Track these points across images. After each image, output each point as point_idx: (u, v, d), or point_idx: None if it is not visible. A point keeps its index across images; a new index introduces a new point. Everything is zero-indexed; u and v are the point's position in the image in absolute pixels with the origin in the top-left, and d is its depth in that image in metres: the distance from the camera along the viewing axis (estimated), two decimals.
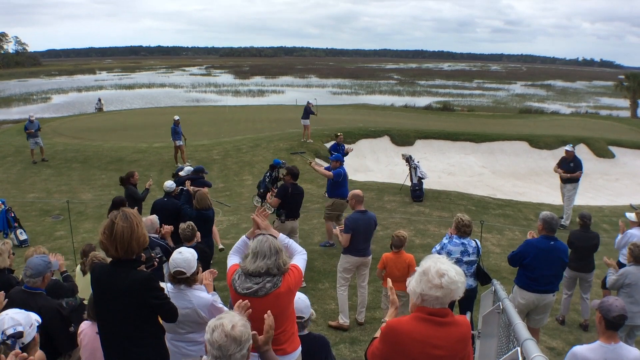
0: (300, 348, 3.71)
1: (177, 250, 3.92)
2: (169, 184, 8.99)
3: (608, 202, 15.92)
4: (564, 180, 12.35)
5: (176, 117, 17.88)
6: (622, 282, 6.10)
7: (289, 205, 8.49)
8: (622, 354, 3.81)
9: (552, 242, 6.10)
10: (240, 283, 3.50)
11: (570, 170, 12.18)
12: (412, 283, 2.79)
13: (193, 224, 6.43)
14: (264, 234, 3.67)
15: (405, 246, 6.77)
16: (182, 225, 6.36)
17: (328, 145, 20.60)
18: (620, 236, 7.69)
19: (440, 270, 2.70)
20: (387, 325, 2.81)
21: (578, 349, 3.96)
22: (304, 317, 3.88)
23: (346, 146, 15.44)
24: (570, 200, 12.44)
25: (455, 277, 2.70)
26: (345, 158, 13.82)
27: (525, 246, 6.23)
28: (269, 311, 3.09)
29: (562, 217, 12.24)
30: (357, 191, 7.25)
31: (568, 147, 12.53)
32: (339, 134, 15.68)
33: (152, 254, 3.72)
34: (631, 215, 7.81)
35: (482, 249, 9.92)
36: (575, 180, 12.27)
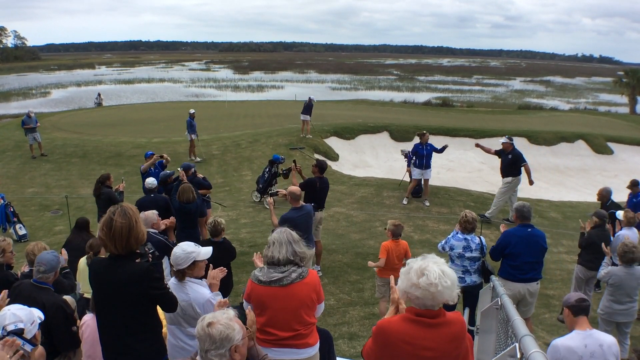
0: (319, 341, 3.78)
1: (178, 244, 3.97)
2: (151, 180, 8.92)
3: None
4: (504, 173, 11.75)
5: (192, 111, 17.81)
6: (606, 280, 6.19)
7: (317, 198, 8.57)
8: (599, 338, 4.09)
9: (529, 230, 6.32)
10: (264, 274, 3.60)
11: (507, 162, 11.61)
12: (399, 280, 2.76)
13: None
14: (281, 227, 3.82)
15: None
16: None
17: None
18: (612, 238, 7.70)
19: (422, 269, 2.63)
20: (377, 326, 2.79)
21: (558, 340, 4.14)
22: None
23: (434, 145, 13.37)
24: (501, 194, 11.79)
25: (436, 279, 2.56)
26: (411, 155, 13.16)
27: (505, 236, 6.41)
28: (249, 306, 3.14)
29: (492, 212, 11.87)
30: (294, 188, 7.34)
31: (504, 139, 11.96)
32: (424, 132, 13.68)
33: (146, 249, 3.73)
34: (619, 213, 7.84)
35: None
36: (516, 174, 11.58)
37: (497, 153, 11.98)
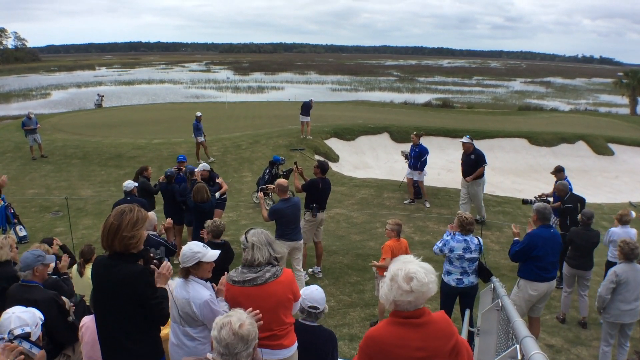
0: (296, 342, 3.78)
1: (188, 243, 3.99)
2: (127, 183, 9.03)
3: (607, 199, 15.93)
4: (467, 174, 11.52)
5: (198, 114, 17.81)
6: (614, 280, 6.09)
7: (319, 199, 8.65)
8: None
9: (552, 230, 6.33)
10: (239, 274, 3.64)
11: (470, 163, 11.42)
12: (384, 290, 2.72)
13: None
14: (254, 228, 3.83)
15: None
16: None
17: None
18: (607, 234, 7.78)
19: (407, 274, 2.63)
20: (366, 337, 2.76)
21: None
22: (318, 308, 3.95)
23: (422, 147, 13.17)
24: (478, 197, 11.62)
25: (425, 278, 2.62)
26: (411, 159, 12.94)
27: (531, 238, 6.31)
28: (257, 311, 3.13)
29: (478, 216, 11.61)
30: (282, 180, 7.72)
31: (465, 139, 11.61)
32: (414, 133, 13.64)
33: (152, 254, 3.70)
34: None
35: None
36: (479, 175, 11.42)
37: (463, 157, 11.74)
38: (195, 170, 9.57)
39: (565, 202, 8.86)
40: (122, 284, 3.22)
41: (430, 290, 2.64)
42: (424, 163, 12.99)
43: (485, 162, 11.44)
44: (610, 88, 64.87)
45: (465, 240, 6.21)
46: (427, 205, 13.15)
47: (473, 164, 11.39)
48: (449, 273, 6.32)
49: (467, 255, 6.18)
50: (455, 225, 6.35)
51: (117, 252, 3.27)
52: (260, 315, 3.01)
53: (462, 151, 11.65)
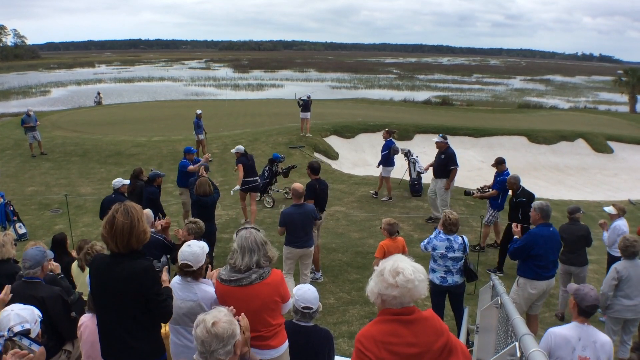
0: (287, 342, 3.76)
1: (186, 243, 3.96)
2: (115, 180, 9.03)
3: (606, 197, 15.92)
4: (436, 174, 11.32)
5: (198, 111, 17.81)
6: (615, 277, 6.07)
7: (319, 200, 8.55)
8: (594, 335, 4.15)
9: (551, 229, 6.32)
10: (227, 273, 3.63)
11: (441, 162, 11.16)
12: (371, 284, 2.73)
13: None
14: (246, 228, 3.76)
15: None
16: None
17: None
18: (606, 233, 7.69)
19: (395, 268, 2.63)
20: (358, 338, 2.74)
21: (555, 329, 4.23)
22: (312, 308, 3.94)
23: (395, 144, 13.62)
24: (444, 200, 11.26)
25: (412, 275, 2.60)
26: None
27: (531, 237, 6.31)
28: (242, 313, 3.11)
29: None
30: (297, 185, 7.44)
31: (437, 138, 11.46)
32: (388, 129, 14.02)
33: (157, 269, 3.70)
34: (610, 209, 7.82)
35: (481, 245, 9.99)
36: (448, 175, 11.10)
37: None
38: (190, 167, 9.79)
39: (518, 196, 8.83)
40: (129, 281, 3.21)
41: (416, 288, 2.61)
42: (383, 158, 13.29)
43: (456, 164, 11.17)
44: (609, 86, 64.89)
45: (448, 239, 6.23)
46: (383, 199, 13.47)
47: (444, 164, 11.20)
48: (433, 271, 6.34)
49: (450, 255, 6.19)
50: (439, 224, 6.37)
51: (119, 251, 3.26)
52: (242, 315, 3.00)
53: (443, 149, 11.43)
